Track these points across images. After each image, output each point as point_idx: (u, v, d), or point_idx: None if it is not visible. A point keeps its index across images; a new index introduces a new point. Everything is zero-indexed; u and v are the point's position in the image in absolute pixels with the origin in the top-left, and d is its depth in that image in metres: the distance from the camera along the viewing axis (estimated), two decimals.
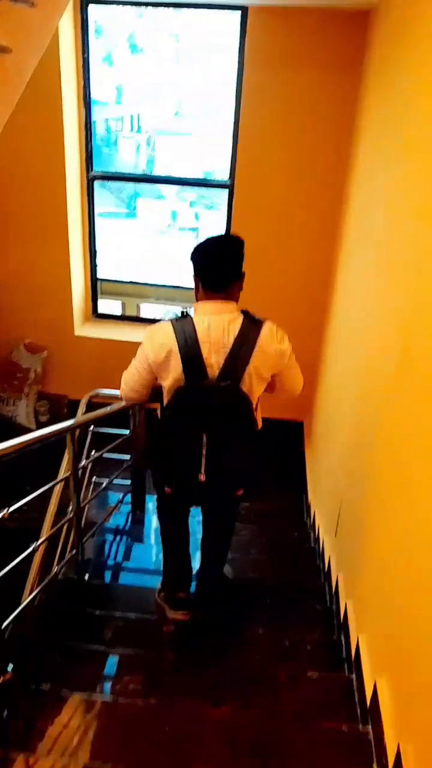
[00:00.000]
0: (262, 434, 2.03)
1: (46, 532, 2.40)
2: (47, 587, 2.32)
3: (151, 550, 3.32)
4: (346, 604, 2.25)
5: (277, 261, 4.17)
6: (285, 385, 2.03)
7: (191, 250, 1.95)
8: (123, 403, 3.27)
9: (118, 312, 5.76)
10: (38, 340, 4.70)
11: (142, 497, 3.87)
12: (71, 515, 2.55)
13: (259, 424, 2.02)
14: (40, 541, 2.25)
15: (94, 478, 3.34)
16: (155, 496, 2.29)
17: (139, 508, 3.83)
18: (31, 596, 2.14)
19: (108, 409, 2.96)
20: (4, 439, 4.37)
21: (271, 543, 3.32)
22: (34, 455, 2.06)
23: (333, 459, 3.08)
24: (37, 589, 2.17)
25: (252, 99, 3.72)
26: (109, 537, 3.48)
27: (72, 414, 3.55)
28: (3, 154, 4.01)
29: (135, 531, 3.52)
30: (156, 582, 2.51)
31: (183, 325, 1.88)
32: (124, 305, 5.82)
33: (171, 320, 1.91)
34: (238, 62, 3.70)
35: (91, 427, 3.10)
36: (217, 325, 1.86)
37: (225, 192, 4.17)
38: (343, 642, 2.17)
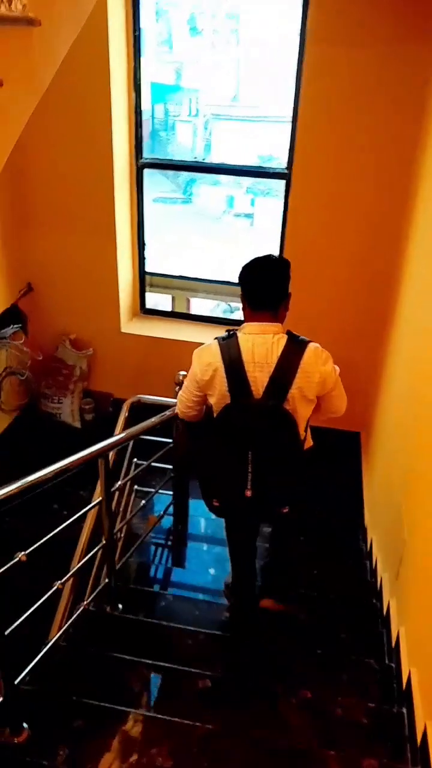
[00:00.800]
0: (314, 453, 2.13)
1: (76, 563, 2.19)
2: (73, 623, 2.11)
3: (194, 572, 3.09)
4: (410, 671, 1.94)
5: (334, 260, 3.82)
6: (330, 406, 2.06)
7: (240, 269, 1.99)
8: (167, 413, 3.08)
9: (167, 306, 5.53)
10: (84, 337, 4.52)
11: (184, 511, 3.64)
12: (104, 543, 2.32)
13: (307, 444, 2.09)
14: (66, 577, 2.04)
15: (135, 486, 3.12)
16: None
17: (181, 522, 3.61)
18: (50, 643, 1.93)
19: (146, 424, 2.73)
20: (48, 438, 4.26)
21: (323, 571, 3.02)
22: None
23: (394, 482, 2.75)
24: (57, 635, 1.95)
25: (313, 81, 3.36)
26: (149, 554, 3.26)
27: (116, 413, 3.38)
28: (47, 140, 3.80)
29: (176, 551, 3.29)
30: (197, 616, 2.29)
31: (229, 345, 1.92)
32: (173, 299, 5.59)
33: (218, 340, 1.95)
34: (300, 39, 3.34)
35: (134, 460, 2.88)
36: (261, 344, 1.89)
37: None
38: (406, 718, 1.86)
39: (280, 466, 1.92)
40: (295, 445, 1.92)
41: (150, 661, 2.08)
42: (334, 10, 3.15)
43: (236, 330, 1.95)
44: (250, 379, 1.86)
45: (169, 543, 3.39)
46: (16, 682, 1.68)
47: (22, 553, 1.64)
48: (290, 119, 3.64)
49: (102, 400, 4.69)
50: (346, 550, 3.34)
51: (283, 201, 3.92)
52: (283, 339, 1.90)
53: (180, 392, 2.16)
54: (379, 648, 2.30)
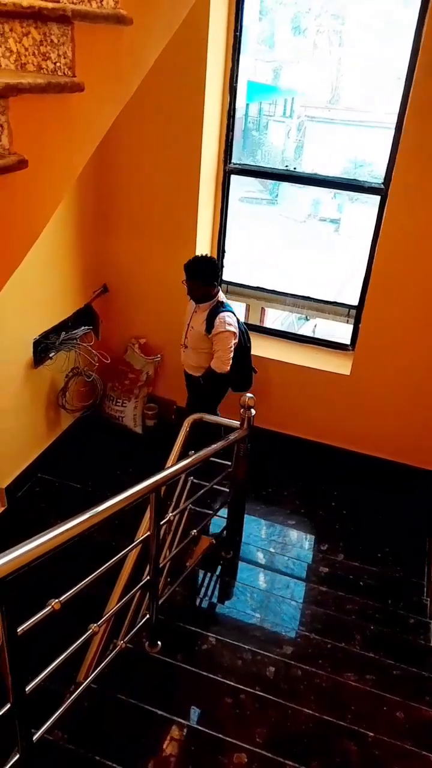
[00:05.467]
0: None
1: (115, 601, 2.04)
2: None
3: (240, 612, 2.89)
4: None
5: (430, 283, 3.52)
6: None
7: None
8: (231, 437, 2.91)
9: (240, 314, 5.35)
10: (154, 342, 4.42)
11: (238, 537, 3.46)
12: (148, 579, 2.17)
13: None
14: (103, 619, 1.90)
15: (189, 506, 2.95)
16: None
17: (233, 548, 3.42)
18: (80, 689, 1.78)
19: (208, 451, 2.56)
20: (108, 440, 4.18)
21: (375, 636, 2.75)
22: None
23: None
24: (85, 683, 1.81)
25: (427, 88, 3.07)
26: (195, 582, 3.10)
27: (178, 421, 3.25)
28: (133, 141, 3.69)
29: (225, 583, 3.11)
30: (240, 667, 2.09)
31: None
32: (248, 307, 5.40)
33: (231, 310, 3.47)
34: (414, 38, 3.06)
35: (191, 478, 2.72)
36: None
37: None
38: None
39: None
40: None
41: (183, 721, 1.91)
42: None
43: (222, 300, 3.44)
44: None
45: (218, 574, 3.21)
46: (35, 738, 1.55)
47: (56, 600, 1.50)
48: (393, 126, 3.37)
49: (165, 407, 4.58)
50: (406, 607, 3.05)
51: (375, 210, 3.66)
52: None
53: (230, 352, 3.39)
54: None
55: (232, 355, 3.41)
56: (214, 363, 3.44)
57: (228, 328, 3.37)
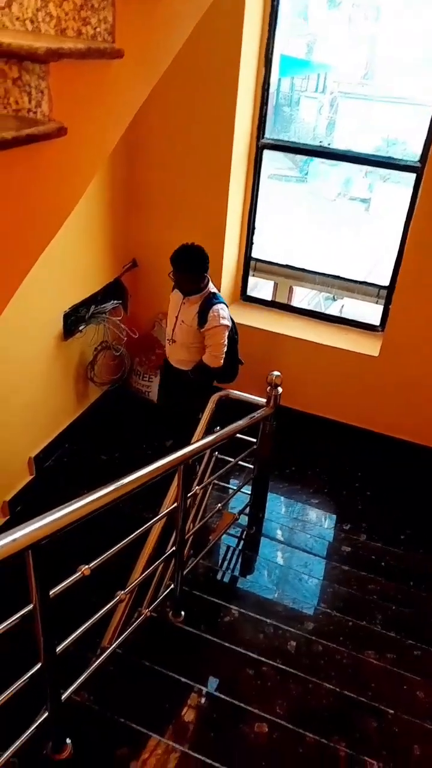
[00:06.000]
0: None
1: (140, 569, 2.08)
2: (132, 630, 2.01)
3: (262, 586, 2.93)
4: None
5: None
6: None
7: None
8: (256, 415, 2.91)
9: (268, 292, 5.31)
10: None
11: (261, 513, 3.48)
12: (174, 549, 2.20)
13: None
14: (130, 587, 1.93)
15: (213, 480, 2.97)
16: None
17: (256, 524, 3.45)
18: (107, 652, 1.83)
19: (234, 427, 2.56)
20: (134, 414, 4.22)
21: (396, 617, 2.75)
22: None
23: None
24: (110, 648, 1.85)
25: None
26: (218, 555, 3.14)
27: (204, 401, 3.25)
28: (165, 114, 3.65)
29: (247, 558, 3.14)
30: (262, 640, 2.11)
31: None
32: (276, 286, 5.35)
33: (224, 302, 3.29)
34: None
35: (215, 454, 2.73)
36: None
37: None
38: None
39: None
40: None
41: (205, 689, 1.94)
42: None
43: (213, 291, 3.24)
44: None
45: (240, 549, 3.24)
46: (64, 697, 1.59)
47: (86, 566, 1.53)
48: (430, 103, 3.28)
49: None
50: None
51: (409, 190, 3.58)
52: None
53: (223, 344, 3.26)
54: None
55: (225, 349, 3.28)
56: (208, 359, 3.30)
57: (222, 322, 3.20)
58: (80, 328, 3.72)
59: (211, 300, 3.21)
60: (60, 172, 1.44)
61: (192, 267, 3.13)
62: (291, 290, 5.50)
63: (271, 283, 5.32)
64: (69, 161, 1.45)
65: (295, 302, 5.23)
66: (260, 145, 3.86)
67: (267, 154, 3.94)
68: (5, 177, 1.27)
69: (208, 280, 3.26)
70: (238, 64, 3.38)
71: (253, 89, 3.65)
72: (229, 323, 3.26)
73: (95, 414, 4.18)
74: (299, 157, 10.18)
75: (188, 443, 3.40)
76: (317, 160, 9.91)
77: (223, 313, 3.22)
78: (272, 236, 5.73)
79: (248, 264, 4.36)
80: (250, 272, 4.43)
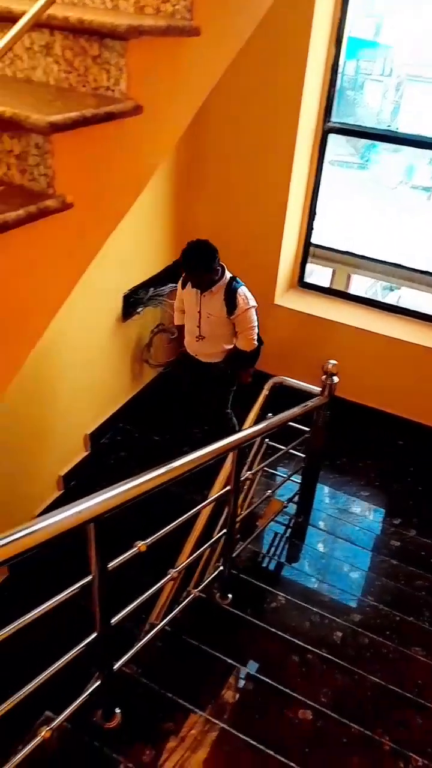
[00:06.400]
0: None
1: (189, 549, 2.10)
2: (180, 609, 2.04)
3: (307, 575, 2.92)
4: None
5: None
6: None
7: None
8: (309, 403, 2.88)
9: (326, 279, 5.23)
10: None
11: (309, 502, 3.46)
12: (225, 531, 2.21)
13: None
14: (181, 566, 1.96)
15: (263, 466, 2.96)
16: None
17: (304, 513, 3.43)
18: (157, 628, 1.86)
19: (287, 415, 2.55)
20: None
21: None
22: None
23: None
24: (160, 625, 1.89)
25: None
26: (264, 542, 3.14)
27: (254, 385, 3.24)
28: (230, 94, 3.59)
29: (294, 546, 3.13)
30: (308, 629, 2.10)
31: None
32: (334, 273, 5.27)
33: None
34: None
35: (266, 440, 2.71)
36: None
37: None
38: None
39: None
40: None
41: (250, 672, 1.96)
42: None
43: (230, 275, 3.17)
44: None
45: (287, 536, 3.23)
46: (116, 667, 1.64)
47: (142, 542, 1.56)
48: None
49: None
50: None
51: None
52: None
53: (255, 327, 3.24)
54: None
55: (257, 330, 3.25)
56: (243, 343, 3.26)
57: (250, 303, 3.16)
58: (138, 310, 3.76)
59: (233, 284, 3.14)
60: (134, 150, 1.44)
61: (206, 265, 3.02)
62: (349, 278, 5.42)
63: (329, 271, 5.25)
64: (144, 139, 1.45)
65: (353, 291, 5.14)
66: (326, 129, 3.78)
67: (330, 139, 3.86)
68: (84, 153, 1.28)
69: (222, 266, 3.17)
70: (308, 44, 3.31)
71: (322, 71, 3.57)
72: (255, 302, 3.22)
73: (149, 395, 4.23)
74: (360, 144, 9.94)
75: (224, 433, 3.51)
76: (380, 147, 9.66)
77: (248, 294, 3.18)
78: (332, 223, 5.63)
79: (307, 250, 4.30)
80: (309, 259, 4.37)
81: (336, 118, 3.81)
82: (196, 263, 3.02)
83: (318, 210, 4.15)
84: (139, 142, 1.43)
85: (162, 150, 1.59)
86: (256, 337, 3.27)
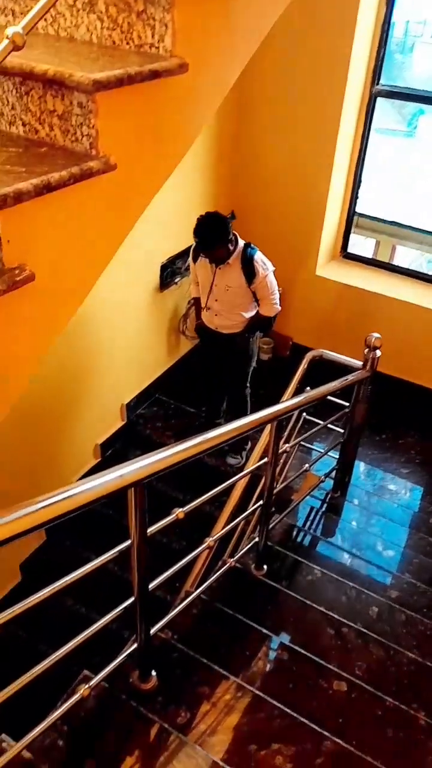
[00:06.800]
0: None
1: (225, 518, 2.10)
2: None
3: (343, 550, 2.90)
4: None
5: None
6: None
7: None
8: (350, 378, 2.83)
9: (369, 250, 5.08)
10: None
11: (347, 478, 3.42)
12: (263, 502, 2.20)
13: None
14: (218, 535, 1.96)
15: (301, 440, 2.92)
16: None
17: (341, 488, 3.40)
18: (193, 595, 1.88)
19: (326, 389, 2.50)
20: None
21: None
22: None
23: None
24: (201, 588, 1.90)
25: None
26: (300, 515, 3.13)
27: (292, 359, 3.19)
28: (277, 53, 3.47)
29: (331, 521, 3.11)
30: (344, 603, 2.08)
31: None
32: (378, 244, 5.12)
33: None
34: None
35: (303, 414, 2.68)
36: None
37: None
38: None
39: None
40: None
41: (285, 642, 1.97)
42: None
43: (243, 242, 3.07)
44: None
45: (323, 510, 3.21)
46: (153, 631, 1.66)
47: (180, 510, 1.56)
48: None
49: (281, 342, 4.53)
50: None
51: None
52: None
53: (276, 292, 3.21)
54: None
55: (278, 293, 3.25)
56: (266, 309, 3.24)
57: (269, 267, 3.14)
58: (176, 281, 3.73)
59: (248, 252, 3.07)
60: (180, 109, 1.41)
61: (221, 238, 2.94)
62: (393, 249, 5.25)
63: (372, 242, 5.10)
64: (188, 99, 1.41)
65: (397, 263, 4.99)
66: (374, 92, 3.63)
67: (377, 104, 3.71)
68: (128, 112, 1.25)
69: (235, 235, 3.08)
70: (358, 1, 3.17)
71: (372, 29, 3.42)
72: (272, 266, 3.18)
73: (185, 367, 4.22)
74: (407, 111, 9.54)
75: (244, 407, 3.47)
76: (428, 114, 9.26)
77: (265, 258, 3.14)
78: (377, 192, 5.46)
79: (351, 219, 4.18)
80: (352, 228, 4.25)
81: (387, 84, 3.66)
82: (211, 239, 2.95)
83: (363, 178, 4.02)
84: (184, 102, 1.39)
85: (207, 110, 1.54)
86: (278, 301, 3.26)
